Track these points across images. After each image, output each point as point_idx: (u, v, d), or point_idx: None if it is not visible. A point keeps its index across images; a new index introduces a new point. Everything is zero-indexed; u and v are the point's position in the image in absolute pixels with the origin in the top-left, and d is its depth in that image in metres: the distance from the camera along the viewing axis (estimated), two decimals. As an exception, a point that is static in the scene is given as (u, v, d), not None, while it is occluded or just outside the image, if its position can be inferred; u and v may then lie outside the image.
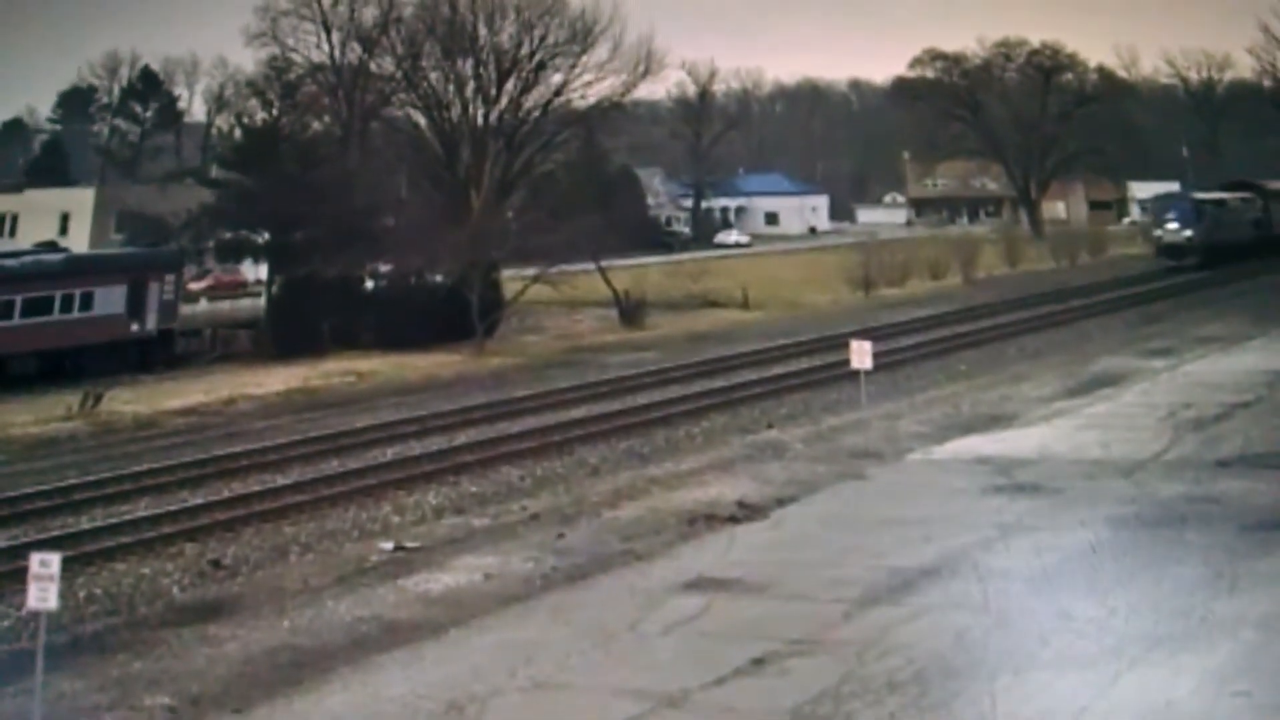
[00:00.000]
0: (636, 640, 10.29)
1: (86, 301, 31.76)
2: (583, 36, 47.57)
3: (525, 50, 47.00)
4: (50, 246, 38.05)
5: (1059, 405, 20.43)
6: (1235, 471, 15.12)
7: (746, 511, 14.32)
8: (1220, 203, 48.71)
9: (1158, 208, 50.84)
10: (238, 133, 49.45)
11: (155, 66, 79.01)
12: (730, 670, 9.36)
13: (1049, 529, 12.82)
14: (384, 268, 38.69)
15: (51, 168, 68.92)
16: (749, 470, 16.79)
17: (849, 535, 13.16)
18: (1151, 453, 16.29)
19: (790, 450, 18.19)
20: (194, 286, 43.02)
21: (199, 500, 16.94)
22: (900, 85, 76.96)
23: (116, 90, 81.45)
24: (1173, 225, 46.55)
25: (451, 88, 47.20)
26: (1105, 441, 17.07)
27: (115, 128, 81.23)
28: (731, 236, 77.20)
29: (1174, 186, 66.47)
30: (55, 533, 15.23)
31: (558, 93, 48.00)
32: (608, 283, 39.48)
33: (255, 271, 43.30)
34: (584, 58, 47.74)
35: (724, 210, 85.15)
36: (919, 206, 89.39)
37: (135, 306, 32.80)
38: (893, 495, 14.98)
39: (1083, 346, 28.10)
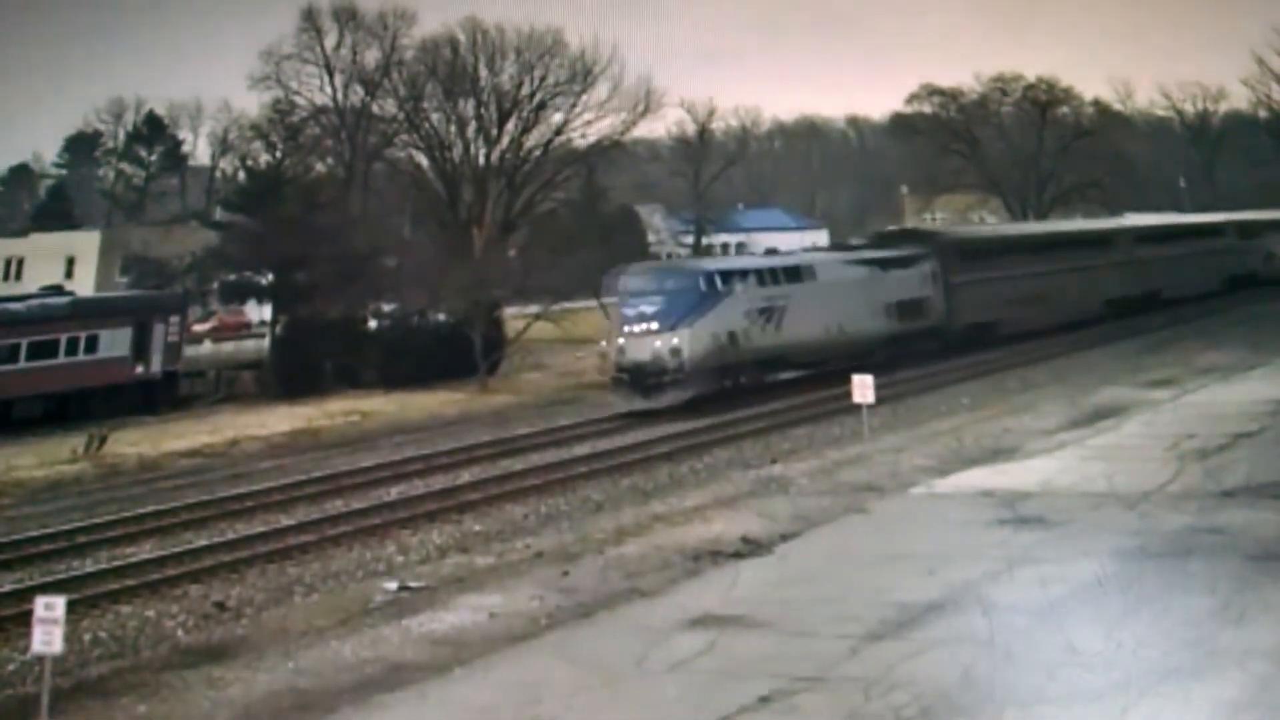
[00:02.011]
0: (642, 678, 10.25)
1: (91, 344, 31.93)
2: (582, 76, 48.12)
3: (526, 91, 47.53)
4: (56, 290, 38.23)
5: (1062, 437, 20.41)
6: (1240, 502, 15.08)
7: (751, 547, 14.29)
8: (789, 273, 28.49)
9: (622, 289, 27.75)
10: (241, 175, 49.96)
11: (160, 111, 79.74)
12: (736, 708, 9.31)
13: (1054, 562, 12.78)
14: (387, 307, 38.87)
15: (57, 212, 69.35)
16: (753, 505, 16.76)
17: (853, 570, 13.12)
18: (1156, 484, 16.25)
19: (794, 485, 18.17)
20: (198, 328, 43.20)
21: (203, 542, 16.93)
22: (898, 120, 77.54)
23: (121, 135, 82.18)
24: (642, 327, 25.72)
25: (453, 128, 47.68)
26: (1109, 473, 17.04)
27: (120, 171, 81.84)
28: None
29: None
30: (60, 576, 15.23)
31: (558, 132, 48.47)
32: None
33: (259, 312, 43.49)
34: (584, 97, 48.26)
35: (724, 246, 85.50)
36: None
37: (140, 349, 32.93)
38: (897, 529, 14.95)
39: (1084, 377, 28.11)
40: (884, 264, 32.42)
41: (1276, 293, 45.55)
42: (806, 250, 37.90)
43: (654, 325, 26.07)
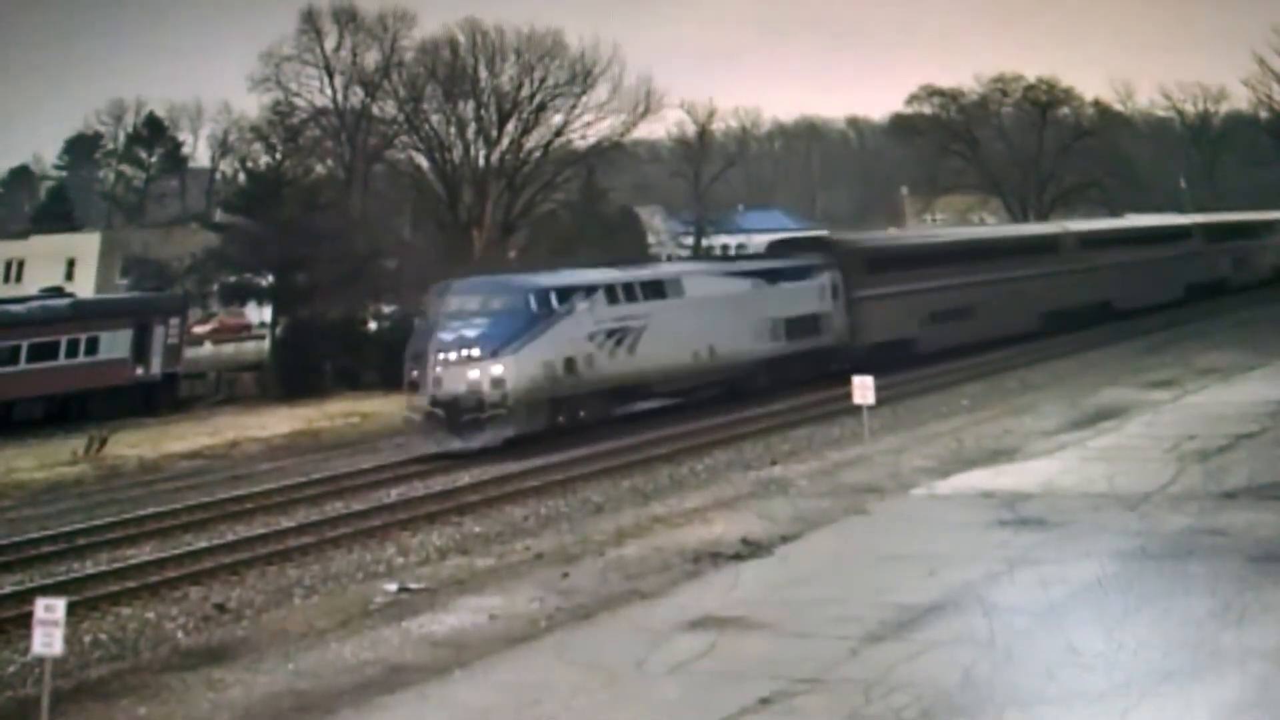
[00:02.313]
0: (642, 680, 10.24)
1: (92, 346, 31.94)
2: (582, 78, 48.14)
3: (526, 92, 47.55)
4: (56, 292, 38.27)
5: (1062, 438, 20.40)
6: (1241, 503, 15.07)
7: (751, 549, 14.29)
8: (649, 289, 25.17)
9: (439, 309, 23.69)
10: (241, 177, 49.98)
11: (160, 113, 79.83)
12: (737, 709, 9.31)
13: (1055, 563, 12.77)
14: (387, 309, 38.88)
15: (57, 214, 69.38)
16: (753, 507, 16.76)
17: (854, 571, 13.12)
18: (1156, 485, 16.25)
19: (794, 486, 18.17)
20: (198, 330, 43.22)
21: (203, 544, 16.93)
22: (898, 121, 77.58)
23: (122, 136, 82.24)
24: (460, 353, 22.08)
25: (453, 130, 47.72)
26: (1110, 474, 17.03)
27: (120, 173, 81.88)
28: None
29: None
30: (60, 578, 15.22)
31: (558, 133, 48.49)
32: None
33: (259, 314, 43.52)
34: (584, 99, 48.28)
35: (724, 247, 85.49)
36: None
37: (140, 351, 32.95)
38: (897, 530, 14.94)
39: (1084, 378, 28.11)
40: (771, 276, 28.65)
41: (1265, 296, 45.21)
42: (680, 260, 33.09)
43: (474, 351, 22.01)
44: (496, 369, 22.00)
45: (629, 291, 24.76)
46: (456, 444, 21.78)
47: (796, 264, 29.96)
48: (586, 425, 23.35)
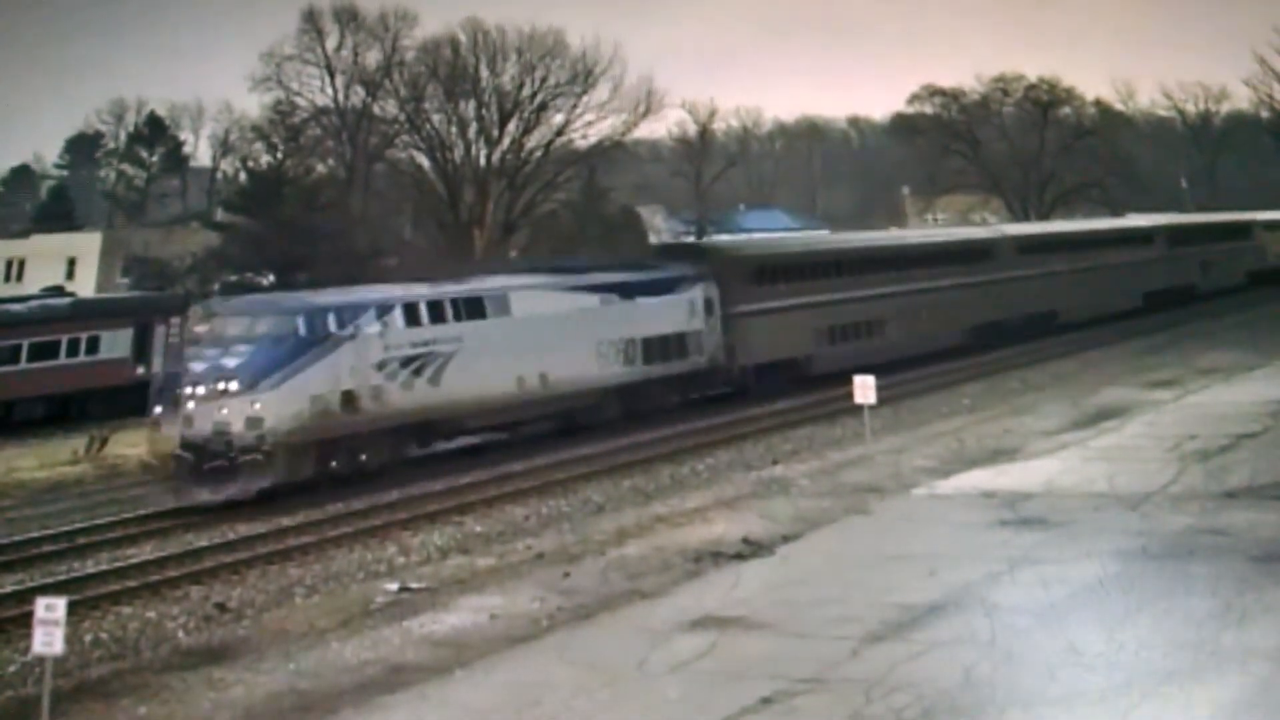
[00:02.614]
0: (643, 680, 10.24)
1: (92, 345, 31.90)
2: (583, 77, 48.17)
3: (527, 91, 47.58)
4: (57, 291, 38.24)
5: (1063, 438, 20.40)
6: (1242, 503, 15.07)
7: (752, 548, 14.29)
8: (463, 306, 21.72)
9: (196, 334, 23.95)
10: (243, 176, 49.98)
11: (161, 112, 79.86)
12: (738, 709, 9.30)
13: (1056, 563, 12.77)
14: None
15: (58, 213, 69.39)
16: (754, 507, 16.76)
17: (855, 571, 13.11)
18: (1158, 485, 16.24)
19: (795, 486, 18.16)
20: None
21: (204, 543, 16.92)
22: (899, 121, 77.63)
23: (123, 136, 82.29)
24: (212, 386, 19.09)
25: (454, 129, 47.75)
26: (1111, 474, 17.03)
27: (121, 173, 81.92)
28: None
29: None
30: (61, 577, 15.22)
31: (559, 133, 48.52)
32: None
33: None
34: (585, 98, 48.31)
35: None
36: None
37: (141, 350, 32.93)
38: (898, 530, 14.94)
39: (1085, 378, 28.09)
40: (624, 290, 24.78)
41: (1264, 297, 44.87)
42: (520, 272, 27.54)
43: (229, 384, 18.71)
44: (252, 406, 18.57)
45: (436, 310, 20.99)
46: (204, 494, 18.26)
47: (660, 276, 26.13)
48: (372, 471, 19.71)
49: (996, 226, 43.07)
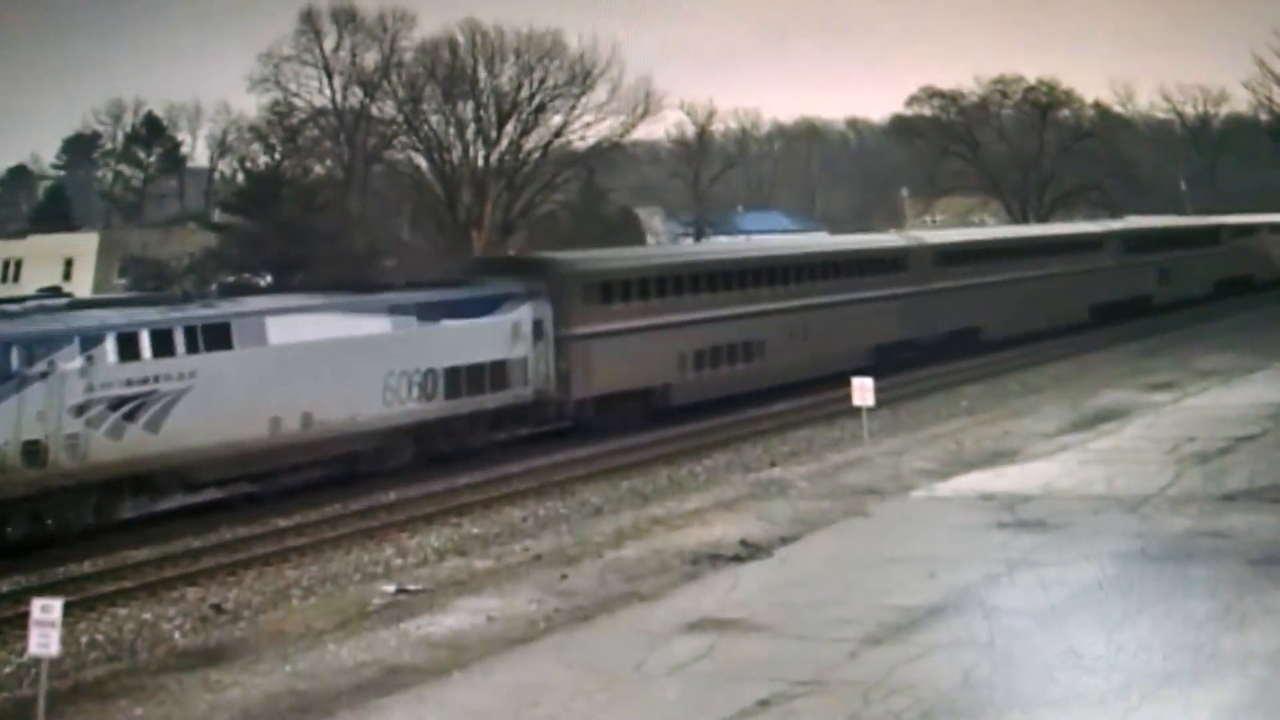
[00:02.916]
0: (641, 682, 10.21)
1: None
2: (582, 78, 48.14)
3: (525, 93, 47.56)
4: (54, 292, 38.11)
5: (1062, 440, 20.40)
6: (1241, 505, 15.07)
7: (750, 550, 14.27)
8: (200, 335, 18.17)
9: None
10: (240, 177, 49.94)
11: (159, 112, 79.87)
12: (736, 711, 9.28)
13: (1055, 565, 12.76)
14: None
15: (56, 213, 69.34)
16: (752, 508, 16.74)
17: (854, 573, 13.09)
18: (1156, 487, 16.24)
19: (793, 488, 18.15)
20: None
21: (200, 544, 16.88)
22: (898, 122, 77.75)
23: (120, 136, 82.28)
24: None
25: (452, 130, 47.72)
26: (1109, 476, 17.03)
27: (119, 173, 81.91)
28: None
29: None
30: (57, 578, 15.17)
31: (557, 134, 48.50)
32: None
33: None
34: (583, 99, 48.28)
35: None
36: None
37: (138, 350, 32.79)
38: (897, 533, 14.92)
39: (1084, 381, 28.10)
40: (426, 311, 21.03)
41: (1265, 299, 44.58)
42: (295, 293, 23.58)
43: None
44: None
45: (163, 341, 17.42)
46: None
47: (476, 294, 22.22)
48: (72, 537, 16.53)
49: (913, 234, 37.56)
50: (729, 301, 26.79)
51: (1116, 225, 46.39)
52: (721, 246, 37.43)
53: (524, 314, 22.53)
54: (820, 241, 41.20)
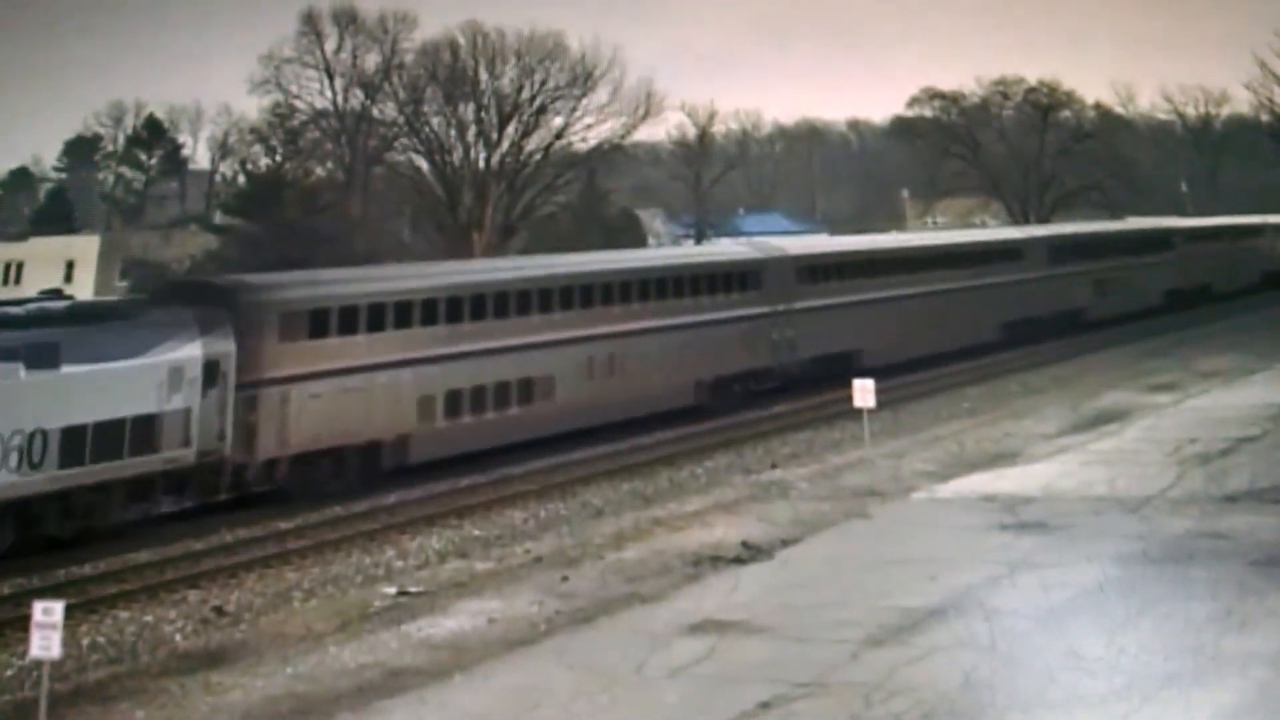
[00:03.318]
0: (642, 684, 10.21)
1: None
2: (583, 80, 48.22)
3: (526, 94, 47.64)
4: (55, 294, 38.14)
5: (1063, 441, 20.38)
6: (1242, 507, 15.06)
7: (751, 552, 14.26)
8: None
9: None
10: (241, 179, 50.00)
11: (160, 115, 79.93)
12: (737, 713, 9.28)
13: (1056, 566, 12.75)
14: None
15: (57, 216, 69.38)
16: (753, 510, 16.73)
17: (855, 575, 13.09)
18: (1158, 488, 16.22)
19: (794, 489, 18.14)
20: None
21: (201, 546, 16.87)
22: (899, 124, 77.80)
23: (121, 138, 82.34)
24: None
25: (453, 132, 47.79)
26: (1111, 478, 17.01)
27: (120, 175, 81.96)
28: None
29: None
30: (58, 581, 15.17)
31: (558, 135, 48.58)
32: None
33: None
34: (584, 101, 48.38)
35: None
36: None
37: (139, 352, 32.77)
38: (898, 534, 14.91)
39: (1085, 382, 28.08)
40: (36, 354, 15.96)
41: (1267, 299, 44.26)
42: None
43: None
44: None
45: None
46: None
47: (119, 330, 17.23)
48: None
49: (772, 244, 31.08)
50: (501, 331, 21.77)
51: (1041, 231, 41.72)
52: (504, 264, 29.66)
53: (190, 353, 17.55)
54: (643, 255, 33.81)
